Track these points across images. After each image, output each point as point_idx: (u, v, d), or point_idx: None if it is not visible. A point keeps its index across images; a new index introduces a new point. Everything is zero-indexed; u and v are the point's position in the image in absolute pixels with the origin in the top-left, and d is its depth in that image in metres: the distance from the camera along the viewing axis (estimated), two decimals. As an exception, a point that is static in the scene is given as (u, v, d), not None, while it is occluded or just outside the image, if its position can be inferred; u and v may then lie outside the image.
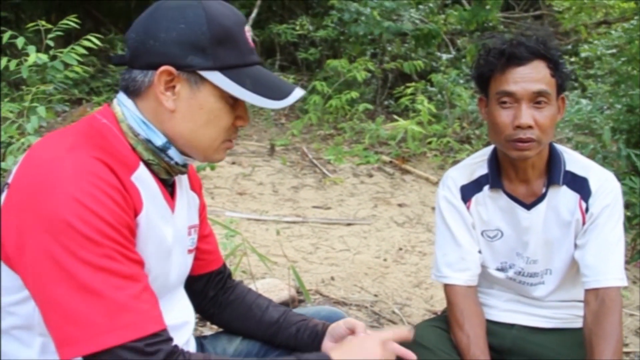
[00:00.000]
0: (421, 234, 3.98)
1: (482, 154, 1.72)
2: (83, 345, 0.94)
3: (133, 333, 0.96)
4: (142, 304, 0.98)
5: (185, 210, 1.23)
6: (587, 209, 1.58)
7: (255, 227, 3.83)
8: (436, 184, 4.81)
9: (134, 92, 1.10)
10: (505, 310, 1.73)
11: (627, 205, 3.44)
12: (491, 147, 1.69)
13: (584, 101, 5.08)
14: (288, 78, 6.60)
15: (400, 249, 3.71)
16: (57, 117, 5.01)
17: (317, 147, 5.72)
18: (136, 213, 1.06)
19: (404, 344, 1.21)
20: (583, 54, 7.17)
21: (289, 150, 5.67)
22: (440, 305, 2.93)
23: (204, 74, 1.07)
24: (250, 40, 1.13)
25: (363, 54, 7.33)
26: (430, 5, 7.85)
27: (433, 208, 4.31)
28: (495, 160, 1.66)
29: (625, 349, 2.57)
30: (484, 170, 1.67)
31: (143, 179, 1.09)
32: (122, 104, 1.11)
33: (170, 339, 1.01)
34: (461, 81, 6.60)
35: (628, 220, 3.41)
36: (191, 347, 1.29)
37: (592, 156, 3.81)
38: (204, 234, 1.36)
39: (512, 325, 1.72)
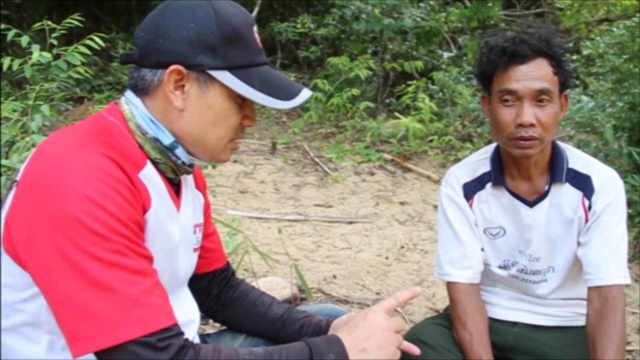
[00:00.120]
0: (423, 232, 3.98)
1: (484, 152, 1.71)
2: (95, 341, 0.95)
3: (145, 328, 0.96)
4: (153, 299, 0.99)
5: (191, 209, 1.24)
6: (590, 207, 1.58)
7: (257, 225, 3.83)
8: (437, 182, 4.82)
9: (142, 91, 1.10)
10: (508, 308, 1.73)
11: (630, 203, 3.44)
12: (494, 144, 1.69)
13: (585, 99, 5.06)
14: (289, 76, 6.59)
15: (402, 247, 3.71)
16: (60, 116, 5.03)
17: (318, 145, 5.72)
18: (145, 210, 1.06)
19: (407, 338, 1.24)
20: (585, 52, 7.17)
21: (291, 148, 5.68)
22: (442, 303, 2.93)
23: (214, 73, 1.07)
24: (258, 40, 1.14)
25: (364, 52, 7.33)
26: (431, 2, 7.85)
27: (434, 206, 4.32)
28: (497, 158, 1.65)
29: (627, 347, 2.57)
30: (486, 167, 1.67)
31: (150, 177, 1.09)
32: (130, 102, 1.12)
33: (181, 333, 1.02)
34: (462, 79, 6.61)
35: (630, 218, 3.41)
36: (195, 345, 1.29)
37: (594, 154, 3.80)
38: (208, 233, 1.36)
39: (514, 323, 1.72)
